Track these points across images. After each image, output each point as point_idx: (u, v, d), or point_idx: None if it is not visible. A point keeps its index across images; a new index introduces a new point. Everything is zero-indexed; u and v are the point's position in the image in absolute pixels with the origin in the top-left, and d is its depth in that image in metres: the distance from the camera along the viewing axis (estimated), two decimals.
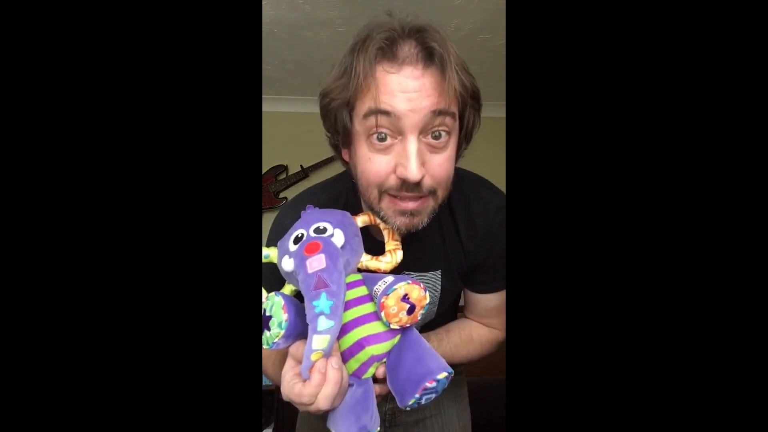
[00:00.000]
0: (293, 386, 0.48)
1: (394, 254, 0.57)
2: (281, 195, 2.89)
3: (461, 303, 0.80)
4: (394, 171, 0.53)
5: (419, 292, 0.50)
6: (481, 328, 0.73)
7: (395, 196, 0.54)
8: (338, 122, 0.56)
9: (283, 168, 2.94)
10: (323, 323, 0.46)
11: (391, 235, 0.58)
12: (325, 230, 0.52)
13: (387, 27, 0.52)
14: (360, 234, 0.56)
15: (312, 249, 0.50)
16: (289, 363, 0.50)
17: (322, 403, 0.47)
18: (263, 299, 0.53)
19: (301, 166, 2.88)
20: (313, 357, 0.47)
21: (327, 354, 0.47)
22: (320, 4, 1.85)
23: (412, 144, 0.51)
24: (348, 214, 0.57)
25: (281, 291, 0.56)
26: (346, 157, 0.60)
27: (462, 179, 0.66)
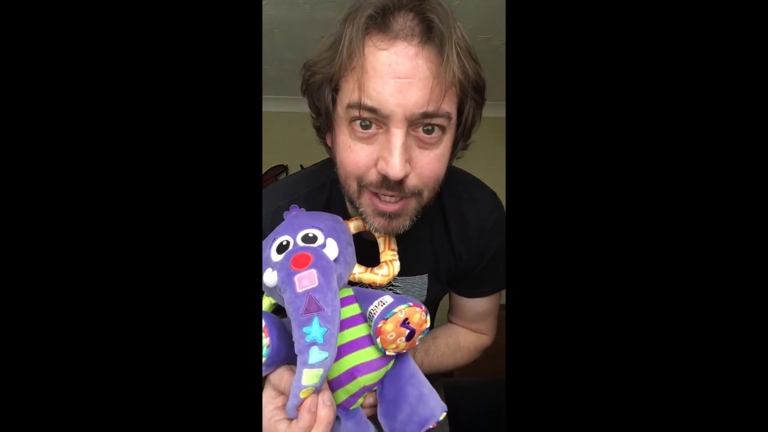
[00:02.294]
0: (276, 424, 0.41)
1: (390, 266, 0.50)
2: None
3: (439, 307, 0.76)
4: (376, 164, 0.47)
5: (420, 315, 0.44)
6: (468, 333, 0.69)
7: (375, 194, 0.48)
8: (320, 101, 0.49)
9: (283, 168, 2.94)
10: (315, 355, 0.39)
11: (387, 244, 0.51)
12: (315, 239, 0.44)
13: (380, 3, 0.45)
14: (353, 242, 0.49)
15: (301, 263, 0.42)
16: (269, 394, 0.43)
17: None
18: None
19: (301, 166, 2.88)
20: (303, 394, 0.39)
21: (318, 389, 0.40)
22: (320, 4, 1.85)
23: (398, 137, 0.45)
24: (340, 219, 0.50)
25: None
26: (329, 141, 0.53)
27: (454, 179, 0.61)
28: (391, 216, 0.49)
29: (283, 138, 2.90)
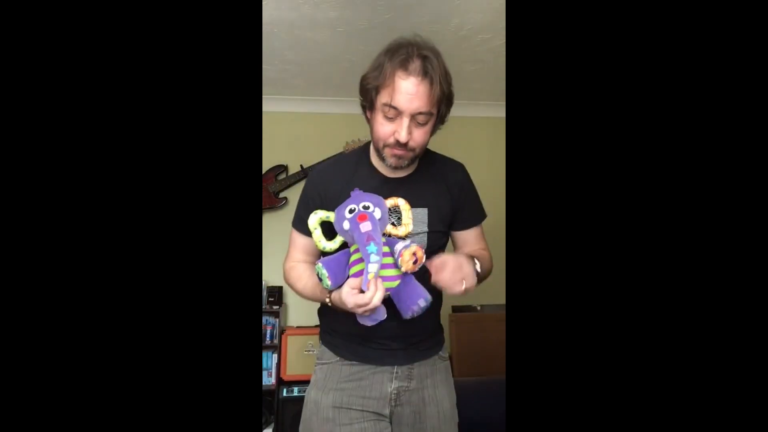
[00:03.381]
0: (356, 296, 0.82)
1: (407, 227, 0.93)
2: (281, 195, 2.89)
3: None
4: (393, 134, 0.90)
5: (421, 253, 0.85)
6: (478, 250, 1.06)
7: (391, 148, 0.93)
8: (368, 97, 0.94)
9: (283, 168, 2.94)
10: (374, 258, 0.82)
11: (407, 214, 0.94)
12: (368, 207, 0.87)
13: (406, 49, 0.89)
14: (388, 211, 0.91)
15: (362, 218, 0.86)
16: (347, 287, 0.85)
17: (376, 300, 0.81)
18: (317, 265, 0.87)
19: (301, 166, 2.88)
20: (370, 277, 0.81)
21: (376, 276, 0.82)
22: (320, 4, 1.85)
23: (405, 122, 0.89)
24: (382, 198, 0.91)
25: (330, 254, 0.91)
26: (368, 115, 0.97)
27: (434, 154, 1.07)
28: (399, 157, 0.93)
29: (283, 138, 2.91)
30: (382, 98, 0.89)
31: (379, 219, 0.87)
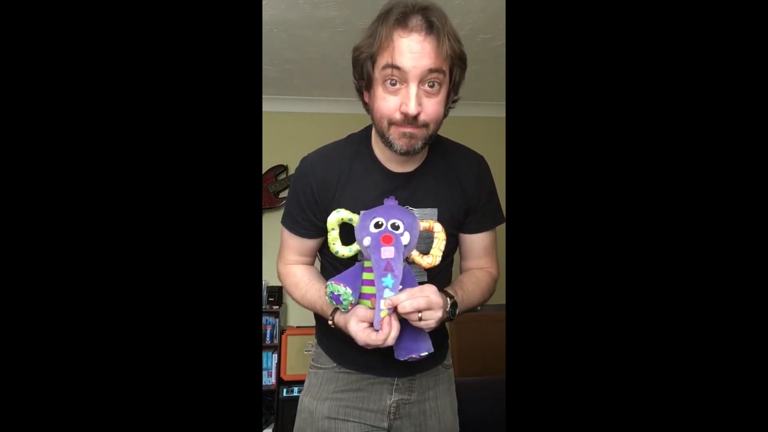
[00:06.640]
0: (369, 335, 0.73)
1: (434, 258, 0.79)
2: (281, 195, 2.89)
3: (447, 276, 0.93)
4: (399, 108, 0.74)
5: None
6: (480, 270, 0.93)
7: (399, 126, 0.76)
8: (363, 70, 0.77)
9: (283, 168, 2.94)
10: (387, 293, 0.71)
11: (438, 245, 0.80)
12: (398, 228, 0.74)
13: (402, 5, 0.74)
14: (419, 235, 0.78)
15: (387, 240, 0.73)
16: (356, 320, 0.75)
17: (390, 341, 0.72)
18: (331, 285, 0.75)
19: None
20: (382, 315, 0.70)
21: (389, 313, 0.71)
22: (320, 4, 1.85)
23: (413, 89, 0.73)
24: (416, 218, 0.79)
25: (346, 271, 0.79)
26: (366, 98, 0.82)
27: (453, 145, 0.93)
28: (410, 136, 0.76)
29: (283, 138, 2.91)
30: (381, 62, 0.73)
31: (406, 245, 0.74)
